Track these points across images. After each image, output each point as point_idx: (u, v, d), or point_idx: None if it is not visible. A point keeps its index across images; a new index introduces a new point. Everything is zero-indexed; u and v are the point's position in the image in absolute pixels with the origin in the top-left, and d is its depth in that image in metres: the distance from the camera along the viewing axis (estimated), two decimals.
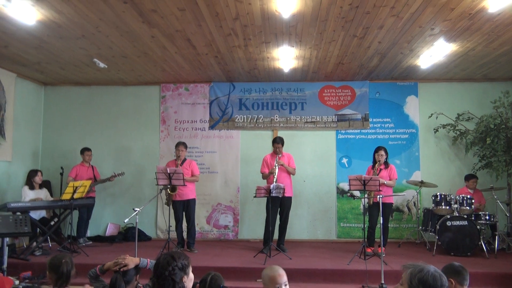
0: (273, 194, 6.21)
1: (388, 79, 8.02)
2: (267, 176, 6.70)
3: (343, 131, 8.06)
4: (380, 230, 5.75)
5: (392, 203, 6.62)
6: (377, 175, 6.27)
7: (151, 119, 8.33)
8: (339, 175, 7.98)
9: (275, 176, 6.44)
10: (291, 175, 6.78)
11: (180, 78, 8.00)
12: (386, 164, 6.52)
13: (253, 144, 8.09)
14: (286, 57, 6.58)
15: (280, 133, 7.90)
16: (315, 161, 8.06)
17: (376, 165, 6.43)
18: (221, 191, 8.09)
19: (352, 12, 4.90)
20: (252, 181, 7.59)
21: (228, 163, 8.13)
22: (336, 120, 8.04)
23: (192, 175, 6.81)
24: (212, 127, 8.20)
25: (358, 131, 8.03)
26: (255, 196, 6.20)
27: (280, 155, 6.69)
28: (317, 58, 6.68)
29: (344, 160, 8.02)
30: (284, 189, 6.33)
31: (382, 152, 6.44)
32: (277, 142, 6.69)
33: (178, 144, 6.86)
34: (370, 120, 8.01)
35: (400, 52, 6.41)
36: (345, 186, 7.79)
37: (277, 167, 6.51)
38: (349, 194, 7.76)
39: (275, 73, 7.62)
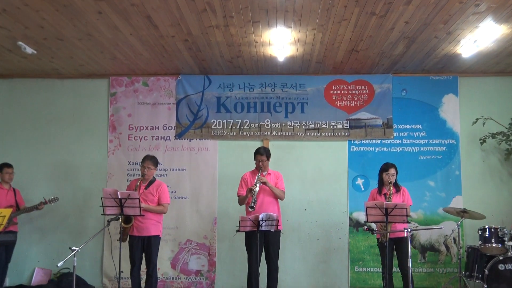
0: (263, 228, 6.17)
1: (418, 72, 8.10)
2: (245, 200, 6.58)
3: (357, 142, 8.11)
4: (407, 276, 5.79)
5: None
6: (390, 201, 6.26)
7: (96, 125, 8.32)
8: (353, 202, 7.99)
9: (254, 197, 6.33)
10: (278, 200, 6.70)
11: (137, 69, 8.02)
12: (397, 186, 6.56)
13: (236, 159, 8.07)
14: (280, 42, 6.62)
15: (273, 144, 7.92)
16: (320, 182, 8.07)
17: (390, 188, 6.40)
18: (191, 224, 8.05)
19: None
20: (234, 209, 7.49)
21: (202, 185, 8.12)
22: (349, 126, 8.08)
23: (159, 204, 6.67)
24: (179, 135, 8.20)
25: (378, 141, 8.08)
26: (237, 231, 6.16)
27: (264, 172, 6.64)
28: (322, 43, 6.72)
29: (359, 181, 8.05)
30: (277, 220, 6.31)
31: (393, 171, 6.49)
32: (260, 153, 6.62)
33: (145, 159, 6.70)
34: (394, 127, 8.07)
35: (434, 36, 6.46)
36: (360, 216, 7.78)
37: (257, 185, 6.41)
38: (366, 227, 7.67)
39: (265, 63, 7.66)
